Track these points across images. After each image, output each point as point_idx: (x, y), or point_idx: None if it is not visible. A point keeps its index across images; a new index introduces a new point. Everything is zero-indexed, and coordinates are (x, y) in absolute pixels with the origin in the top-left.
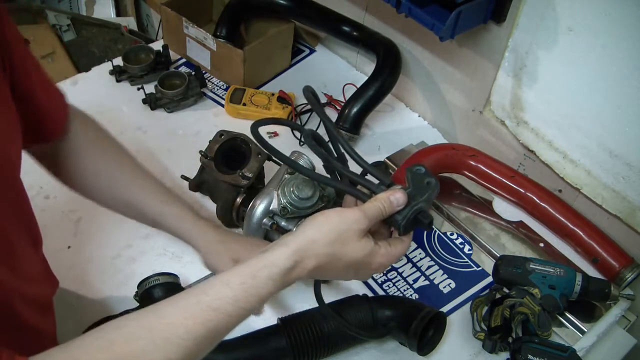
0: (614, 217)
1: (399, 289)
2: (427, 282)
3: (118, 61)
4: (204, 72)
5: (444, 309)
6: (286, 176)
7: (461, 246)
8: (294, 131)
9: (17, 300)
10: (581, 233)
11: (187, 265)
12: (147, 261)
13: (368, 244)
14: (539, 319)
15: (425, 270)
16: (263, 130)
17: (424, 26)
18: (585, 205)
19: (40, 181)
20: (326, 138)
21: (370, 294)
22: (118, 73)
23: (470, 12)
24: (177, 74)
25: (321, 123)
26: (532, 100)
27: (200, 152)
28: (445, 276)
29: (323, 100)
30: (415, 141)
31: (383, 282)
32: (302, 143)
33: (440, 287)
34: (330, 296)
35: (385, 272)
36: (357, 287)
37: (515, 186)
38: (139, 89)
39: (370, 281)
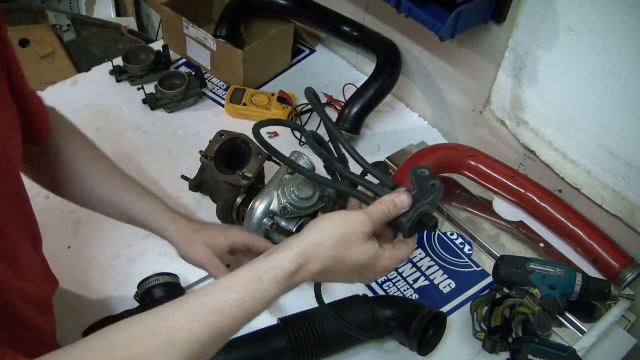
0: (613, 217)
1: (399, 289)
2: (427, 282)
3: (118, 61)
4: (204, 72)
5: (444, 309)
6: (286, 176)
7: (461, 246)
8: (294, 131)
9: (17, 299)
10: (581, 233)
11: (187, 265)
12: (147, 261)
13: (372, 246)
14: (539, 319)
15: (425, 270)
16: (263, 130)
17: (424, 26)
18: (585, 205)
19: None
20: (326, 138)
21: (370, 294)
22: (118, 73)
23: (470, 12)
24: (177, 74)
25: (321, 123)
26: (532, 100)
27: (200, 152)
28: (445, 276)
29: (323, 100)
30: (415, 141)
31: (383, 282)
32: (302, 143)
33: (440, 287)
34: (330, 296)
35: None
36: (357, 287)
37: (515, 186)
38: (139, 89)
39: None
